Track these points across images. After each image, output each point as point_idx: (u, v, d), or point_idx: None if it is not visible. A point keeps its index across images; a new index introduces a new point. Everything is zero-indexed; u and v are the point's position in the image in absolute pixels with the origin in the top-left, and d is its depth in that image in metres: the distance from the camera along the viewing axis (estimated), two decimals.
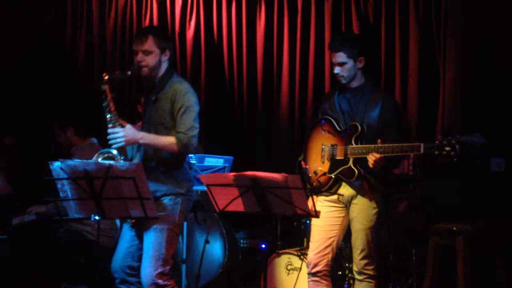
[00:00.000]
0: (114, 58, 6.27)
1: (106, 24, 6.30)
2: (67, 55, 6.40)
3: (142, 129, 3.70)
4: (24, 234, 4.86)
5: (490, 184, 4.15)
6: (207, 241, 5.10)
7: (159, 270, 3.57)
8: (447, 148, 3.43)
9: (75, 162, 3.27)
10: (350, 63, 3.82)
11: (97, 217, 3.34)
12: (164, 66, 3.74)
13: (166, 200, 3.67)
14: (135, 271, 3.66)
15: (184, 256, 4.87)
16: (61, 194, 3.36)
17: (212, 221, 5.24)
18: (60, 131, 4.92)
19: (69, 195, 3.34)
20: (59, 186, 3.35)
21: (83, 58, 6.35)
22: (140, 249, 3.68)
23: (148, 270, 3.57)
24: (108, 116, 3.62)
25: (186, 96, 3.66)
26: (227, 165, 4.95)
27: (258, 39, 5.80)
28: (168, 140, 3.59)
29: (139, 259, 3.65)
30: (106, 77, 3.64)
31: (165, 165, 3.67)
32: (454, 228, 4.18)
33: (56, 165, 3.29)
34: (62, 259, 4.71)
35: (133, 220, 3.65)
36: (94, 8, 6.32)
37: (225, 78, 5.94)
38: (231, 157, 5.03)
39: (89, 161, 3.33)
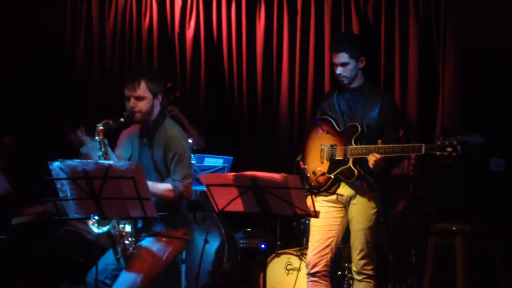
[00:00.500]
0: (114, 58, 6.26)
1: (105, 24, 6.30)
2: (66, 54, 6.40)
3: None
4: (24, 234, 4.85)
5: (490, 184, 4.15)
6: (206, 241, 5.10)
7: None
8: (448, 149, 3.43)
9: (75, 162, 3.27)
10: (352, 63, 3.82)
11: (96, 217, 3.34)
12: (156, 110, 3.76)
13: (157, 244, 3.68)
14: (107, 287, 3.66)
15: (184, 257, 4.87)
16: (61, 194, 3.36)
17: (211, 221, 5.24)
18: (71, 130, 4.94)
19: (69, 195, 3.34)
20: (58, 186, 3.34)
21: (82, 57, 6.35)
22: (117, 269, 3.66)
23: None
24: None
25: (178, 144, 3.69)
26: (226, 165, 4.95)
27: (258, 39, 5.80)
28: (165, 188, 3.64)
29: (113, 278, 3.64)
30: (101, 128, 3.66)
31: (161, 210, 3.64)
32: (454, 228, 4.18)
33: (56, 165, 3.29)
34: (61, 259, 4.71)
35: (122, 256, 3.64)
36: (94, 8, 6.32)
37: (224, 78, 5.94)
38: (231, 157, 5.03)
39: (89, 161, 3.33)
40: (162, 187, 3.64)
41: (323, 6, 5.53)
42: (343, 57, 3.81)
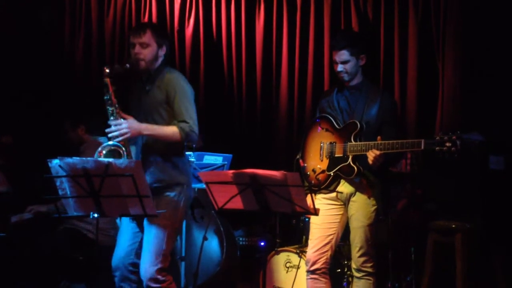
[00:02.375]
0: (113, 57, 6.25)
1: (104, 22, 6.29)
2: (65, 53, 6.39)
3: (137, 119, 3.70)
4: (23, 232, 4.85)
5: (489, 182, 4.15)
6: (205, 238, 5.10)
7: (159, 265, 3.60)
8: (447, 144, 3.44)
9: (74, 160, 3.27)
10: (353, 61, 3.82)
11: (95, 215, 3.34)
12: (160, 61, 3.78)
13: (171, 194, 3.69)
14: (138, 268, 3.67)
15: (183, 254, 4.87)
16: (60, 192, 3.36)
17: (209, 219, 5.25)
18: (71, 128, 4.95)
19: (68, 193, 3.34)
20: (57, 184, 3.34)
21: (81, 56, 6.34)
22: (140, 247, 3.69)
23: (148, 265, 3.59)
24: (110, 109, 3.64)
25: (179, 84, 3.71)
26: (226, 163, 4.95)
27: (257, 37, 5.79)
28: (171, 130, 3.63)
29: (140, 256, 3.66)
30: (107, 70, 3.66)
31: (166, 154, 3.69)
32: (453, 226, 4.19)
33: (55, 163, 3.29)
34: (61, 257, 4.71)
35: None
36: (93, 6, 6.31)
37: (224, 76, 5.93)
38: (230, 155, 5.03)
39: (88, 158, 3.33)
40: (168, 129, 3.63)
41: (323, 4, 5.52)
42: (344, 54, 3.81)
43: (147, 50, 3.71)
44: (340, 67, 3.83)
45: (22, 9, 6.33)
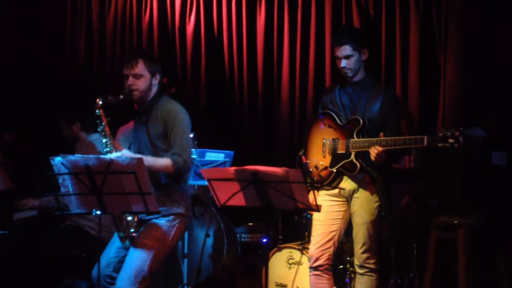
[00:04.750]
0: (114, 54, 6.26)
1: (106, 19, 6.29)
2: (67, 50, 6.40)
3: (134, 151, 3.73)
4: (25, 229, 4.86)
5: (491, 178, 4.14)
6: (207, 235, 5.10)
7: (136, 286, 3.56)
8: (450, 140, 3.43)
9: (76, 157, 3.28)
10: (355, 55, 3.82)
11: (98, 212, 3.34)
12: (154, 90, 3.78)
13: (162, 221, 3.68)
14: (114, 281, 3.66)
15: (186, 251, 4.88)
16: (62, 189, 3.37)
17: (210, 216, 5.25)
18: (66, 125, 4.95)
19: (70, 190, 3.35)
20: (60, 181, 3.35)
21: (83, 53, 6.35)
22: (121, 261, 3.66)
23: (125, 283, 3.56)
24: (104, 140, 3.65)
25: (178, 117, 3.70)
26: (228, 159, 4.95)
27: (258, 33, 5.79)
28: (165, 162, 3.63)
29: (119, 270, 3.64)
30: (100, 102, 3.66)
31: (160, 185, 3.68)
32: (455, 222, 4.18)
33: (57, 160, 3.29)
34: (63, 254, 4.72)
35: (126, 235, 3.64)
36: (94, 3, 6.31)
37: (225, 73, 5.93)
38: (232, 152, 5.03)
39: (90, 156, 3.33)
40: (162, 161, 3.63)
41: (324, 0, 5.51)
42: (346, 49, 3.81)
43: (141, 81, 3.71)
44: (343, 62, 3.82)
45: (24, 7, 6.33)
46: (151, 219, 3.68)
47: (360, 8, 5.34)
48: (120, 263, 3.67)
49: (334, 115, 3.89)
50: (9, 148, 5.36)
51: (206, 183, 3.42)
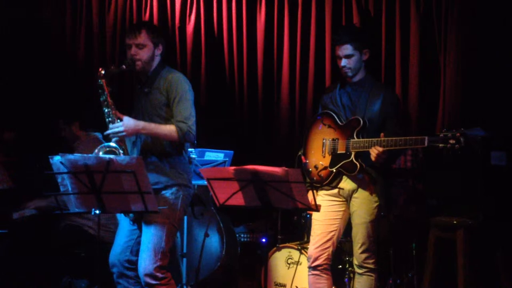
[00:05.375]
0: (114, 53, 6.25)
1: (106, 18, 6.29)
2: (67, 49, 6.39)
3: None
4: (25, 228, 4.86)
5: (491, 178, 4.14)
6: (206, 235, 5.10)
7: (158, 263, 3.59)
8: (451, 141, 3.42)
9: (75, 156, 3.27)
10: (356, 55, 3.82)
11: (97, 211, 3.34)
12: (157, 60, 3.78)
13: (167, 194, 3.68)
14: (134, 265, 3.68)
15: (185, 251, 4.88)
16: (61, 189, 3.37)
17: (210, 215, 5.25)
18: (65, 125, 4.95)
19: (69, 189, 3.34)
20: (59, 180, 3.35)
21: (82, 52, 6.34)
22: (139, 243, 3.69)
23: (148, 263, 3.59)
24: (106, 110, 3.64)
25: (180, 85, 3.70)
26: (227, 159, 4.95)
27: (259, 33, 5.78)
28: (169, 129, 3.62)
29: (138, 253, 3.66)
30: (103, 72, 3.65)
31: (164, 155, 3.69)
32: (455, 222, 4.18)
33: (56, 159, 3.29)
34: (62, 253, 4.72)
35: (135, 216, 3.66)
36: (94, 3, 6.31)
37: (225, 72, 5.93)
38: (231, 151, 5.03)
39: (90, 155, 3.33)
40: (166, 128, 3.63)
41: (324, 0, 5.51)
42: (347, 49, 3.80)
43: (144, 50, 3.71)
44: (343, 62, 3.81)
45: (24, 7, 6.33)
46: (157, 190, 3.64)
47: (360, 8, 5.34)
48: (137, 244, 3.69)
49: (334, 115, 3.89)
50: (9, 147, 5.36)
51: (206, 182, 3.42)
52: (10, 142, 5.38)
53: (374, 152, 3.64)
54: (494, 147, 4.12)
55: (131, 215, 3.68)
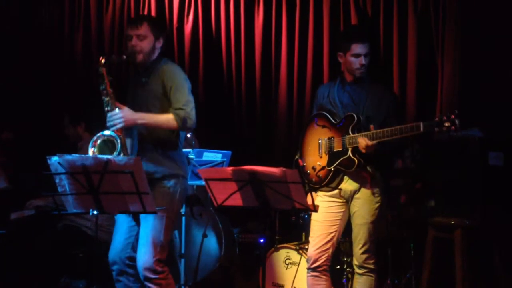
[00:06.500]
0: (112, 53, 6.24)
1: (104, 18, 6.28)
2: (65, 49, 6.39)
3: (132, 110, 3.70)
4: (23, 228, 4.86)
5: (489, 178, 4.14)
6: (205, 235, 5.10)
7: (157, 257, 3.60)
8: (446, 124, 3.43)
9: (73, 156, 3.27)
10: (369, 54, 3.84)
11: (95, 212, 3.34)
12: (156, 53, 3.80)
13: (166, 185, 3.69)
14: (134, 262, 3.67)
15: (183, 251, 4.88)
16: (59, 189, 3.36)
17: (208, 216, 5.25)
18: (71, 124, 4.95)
19: (67, 189, 3.34)
20: (57, 180, 3.34)
21: (80, 53, 6.34)
22: (138, 239, 3.68)
23: (147, 256, 3.59)
24: (106, 99, 3.65)
25: (176, 74, 3.72)
26: (225, 159, 4.95)
27: (257, 33, 5.78)
28: (167, 117, 3.63)
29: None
30: (103, 61, 3.66)
31: (161, 145, 3.70)
32: (453, 222, 4.18)
33: (54, 159, 3.28)
34: (60, 253, 4.72)
35: None
36: (92, 2, 6.31)
37: (223, 73, 5.93)
38: (229, 152, 5.03)
39: (87, 155, 3.33)
40: (164, 117, 3.63)
41: (322, 0, 5.51)
42: (368, 47, 3.82)
43: (144, 42, 3.72)
44: (364, 60, 3.81)
45: (22, 6, 6.32)
46: (154, 183, 3.64)
47: (358, 8, 5.34)
48: (137, 241, 3.69)
49: (328, 115, 3.89)
50: (7, 147, 5.35)
51: (204, 183, 3.41)
52: (8, 142, 5.37)
53: (362, 143, 3.64)
54: (491, 148, 4.12)
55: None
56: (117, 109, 3.61)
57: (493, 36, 4.72)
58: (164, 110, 3.68)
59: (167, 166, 3.70)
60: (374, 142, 3.61)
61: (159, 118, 3.63)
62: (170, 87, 3.68)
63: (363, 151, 3.66)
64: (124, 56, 3.71)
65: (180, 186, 3.74)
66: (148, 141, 3.69)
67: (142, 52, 3.72)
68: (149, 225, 3.63)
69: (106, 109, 3.64)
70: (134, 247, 3.72)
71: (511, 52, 4.68)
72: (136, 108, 3.70)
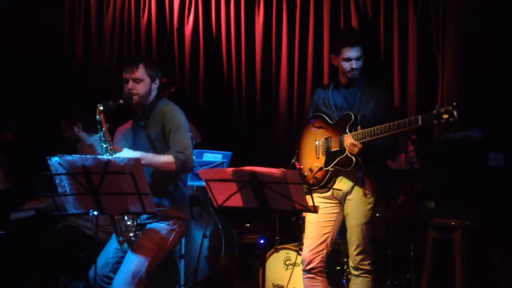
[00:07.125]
0: (112, 54, 6.25)
1: (104, 19, 6.28)
2: (65, 50, 6.39)
3: None
4: (23, 229, 4.85)
5: (489, 179, 4.14)
6: (205, 236, 5.10)
7: (133, 287, 3.56)
8: (445, 116, 3.42)
9: (74, 157, 3.27)
10: (362, 57, 3.84)
11: (95, 213, 3.34)
12: (153, 94, 3.79)
13: (162, 225, 3.68)
14: (111, 281, 3.65)
15: (183, 252, 4.88)
16: (60, 190, 3.36)
17: (208, 216, 5.25)
18: (68, 126, 4.95)
19: (67, 190, 3.34)
20: (57, 181, 3.34)
21: (81, 53, 6.34)
22: (119, 262, 3.66)
23: (122, 284, 3.56)
24: (105, 145, 3.65)
25: (175, 117, 3.71)
26: (225, 160, 4.95)
27: (257, 34, 5.79)
28: (166, 159, 3.61)
29: (116, 271, 3.64)
30: (101, 108, 3.65)
31: (165, 194, 3.68)
32: (453, 223, 4.18)
33: (54, 160, 3.29)
34: (60, 254, 4.71)
35: (125, 239, 3.64)
36: (92, 3, 6.31)
37: (223, 74, 5.93)
38: (230, 153, 5.03)
39: (88, 156, 3.33)
40: (163, 158, 3.61)
41: (322, 1, 5.51)
42: (359, 51, 3.82)
43: (140, 85, 3.72)
44: (355, 64, 3.81)
45: (22, 7, 6.32)
46: (151, 222, 3.68)
47: (359, 9, 5.34)
48: (118, 263, 3.67)
49: (325, 116, 3.89)
50: (7, 147, 5.35)
51: (204, 184, 3.41)
52: (8, 142, 5.37)
53: (347, 141, 3.64)
54: (492, 148, 4.12)
55: (120, 238, 3.63)
56: (117, 154, 3.61)
57: (493, 36, 4.73)
58: (163, 152, 3.68)
59: (167, 209, 3.68)
60: (358, 142, 3.62)
61: (159, 158, 3.61)
62: (169, 129, 3.67)
63: (347, 149, 3.66)
64: (121, 101, 3.69)
65: (179, 227, 3.71)
66: (152, 190, 3.65)
67: (138, 95, 3.72)
68: (135, 255, 3.60)
69: (105, 155, 3.64)
70: (112, 268, 3.69)
71: (511, 52, 4.68)
72: (139, 150, 3.70)
